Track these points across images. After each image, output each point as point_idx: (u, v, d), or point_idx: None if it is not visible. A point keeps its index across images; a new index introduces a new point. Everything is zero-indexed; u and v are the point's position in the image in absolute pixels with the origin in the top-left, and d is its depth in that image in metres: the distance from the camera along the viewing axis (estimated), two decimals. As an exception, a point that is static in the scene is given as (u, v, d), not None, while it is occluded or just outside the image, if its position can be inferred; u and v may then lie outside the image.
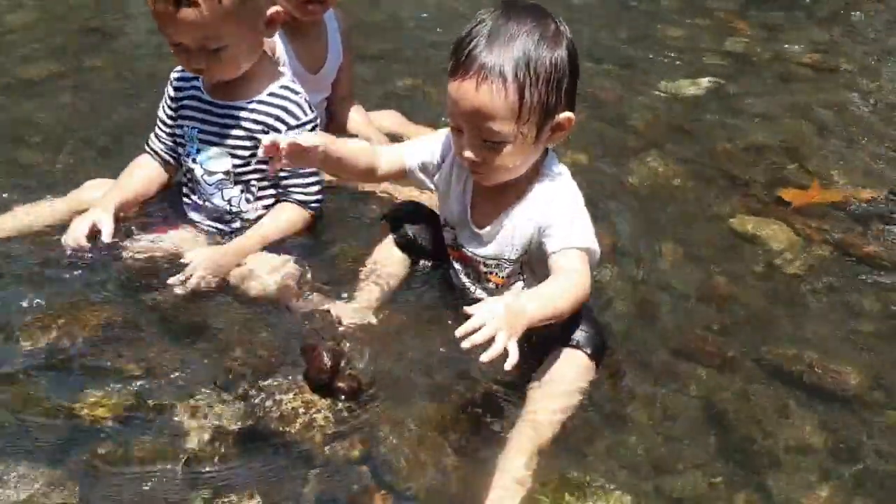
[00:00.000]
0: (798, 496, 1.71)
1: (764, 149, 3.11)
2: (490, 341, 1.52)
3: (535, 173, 1.89)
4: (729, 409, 1.89)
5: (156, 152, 2.26)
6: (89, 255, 2.06)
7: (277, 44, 2.51)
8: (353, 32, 2.81)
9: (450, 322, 1.89)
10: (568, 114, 1.80)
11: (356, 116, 2.81)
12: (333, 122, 2.77)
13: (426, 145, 2.01)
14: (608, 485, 1.67)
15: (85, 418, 1.68)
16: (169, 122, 2.22)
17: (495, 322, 1.54)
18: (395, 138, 2.84)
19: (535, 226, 1.85)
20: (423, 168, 2.01)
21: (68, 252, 2.05)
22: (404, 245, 2.12)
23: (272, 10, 2.09)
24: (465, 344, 1.52)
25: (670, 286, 2.30)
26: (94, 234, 2.06)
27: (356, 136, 2.70)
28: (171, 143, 2.24)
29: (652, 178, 2.82)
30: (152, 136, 2.26)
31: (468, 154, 1.79)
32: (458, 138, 1.81)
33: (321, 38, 2.65)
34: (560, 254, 1.80)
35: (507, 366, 1.54)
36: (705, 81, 3.60)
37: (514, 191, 1.88)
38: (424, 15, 4.11)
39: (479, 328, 1.53)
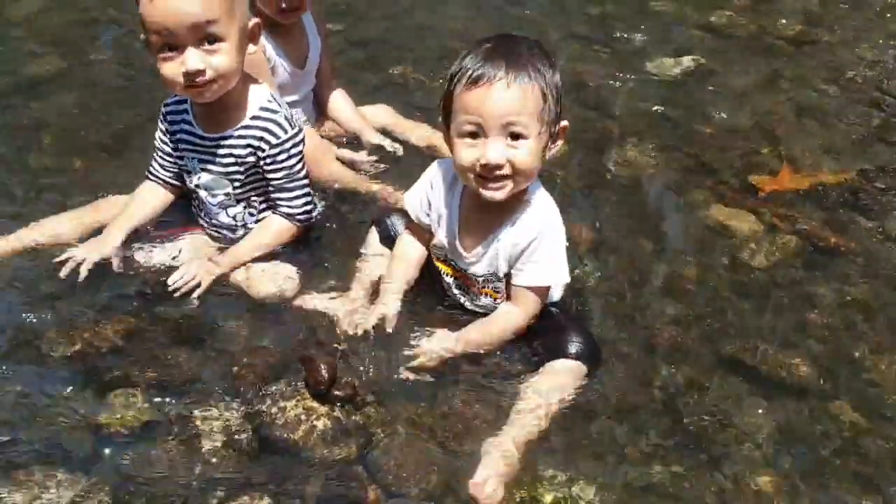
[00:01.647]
0: (748, 480, 1.91)
1: (740, 131, 3.26)
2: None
3: (523, 198, 2.04)
4: (688, 401, 2.09)
5: (159, 178, 2.39)
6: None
7: (267, 47, 2.65)
8: (324, 22, 2.94)
9: (434, 328, 2.12)
10: (565, 122, 1.98)
11: (339, 101, 2.97)
12: (321, 109, 2.95)
13: (417, 198, 2.17)
14: (575, 475, 1.87)
15: (111, 428, 1.88)
16: (170, 151, 2.35)
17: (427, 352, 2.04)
18: (387, 132, 3.00)
19: (519, 250, 2.03)
20: (425, 214, 2.17)
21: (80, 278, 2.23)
22: (388, 238, 2.31)
23: (252, 21, 2.20)
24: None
25: (642, 280, 2.49)
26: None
27: (337, 121, 2.94)
28: (173, 170, 2.38)
29: (630, 168, 2.97)
30: (154, 164, 2.39)
31: (493, 156, 1.88)
32: (475, 148, 1.91)
33: (302, 35, 2.80)
34: (522, 289, 2.05)
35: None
36: (687, 60, 3.72)
37: (503, 215, 2.04)
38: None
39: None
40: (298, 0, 2.62)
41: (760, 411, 2.08)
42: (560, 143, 2.02)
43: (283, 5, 2.59)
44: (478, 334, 2.10)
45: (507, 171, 1.91)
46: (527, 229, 2.02)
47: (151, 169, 2.41)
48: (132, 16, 3.70)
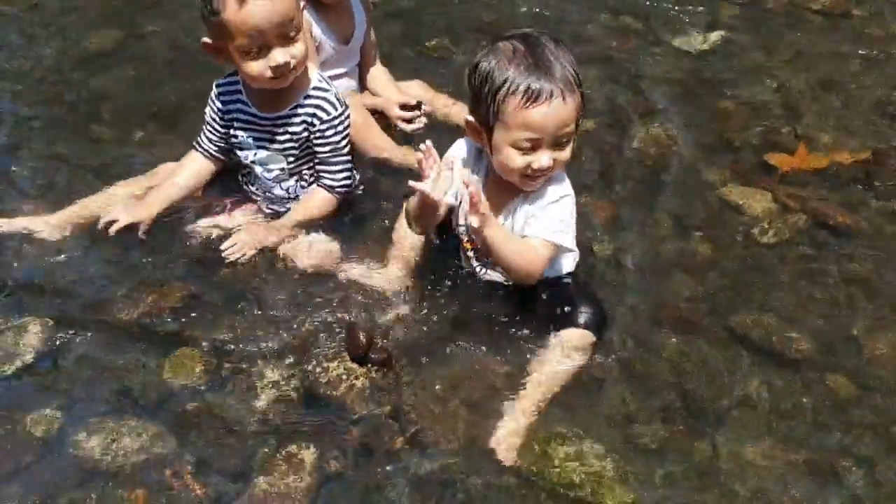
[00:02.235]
0: (742, 445, 2.11)
1: (762, 108, 3.37)
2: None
3: None
4: (692, 370, 2.28)
5: (207, 151, 2.60)
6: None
7: (314, 26, 2.84)
8: (370, 6, 3.11)
9: (458, 300, 2.35)
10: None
11: (379, 75, 3.16)
12: (362, 83, 3.15)
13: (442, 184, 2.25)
14: (584, 433, 2.09)
15: (175, 382, 2.15)
16: (220, 129, 2.56)
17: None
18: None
19: (527, 216, 2.22)
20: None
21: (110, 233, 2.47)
22: None
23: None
24: None
25: (658, 256, 2.66)
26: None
27: (375, 93, 3.12)
28: (221, 145, 2.58)
29: (654, 145, 3.12)
30: (202, 137, 2.59)
31: (545, 163, 2.09)
32: (527, 154, 2.09)
33: (347, 13, 2.97)
34: (529, 238, 2.19)
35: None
36: (715, 35, 3.81)
37: (520, 191, 2.23)
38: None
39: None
40: None
41: (759, 381, 2.27)
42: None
43: None
44: (500, 232, 2.16)
45: (551, 169, 2.13)
46: (539, 199, 2.21)
47: (199, 140, 2.62)
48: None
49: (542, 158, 2.08)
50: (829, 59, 3.72)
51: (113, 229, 2.47)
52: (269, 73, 2.32)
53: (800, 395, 2.24)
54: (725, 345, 2.37)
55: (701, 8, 4.05)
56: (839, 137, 3.20)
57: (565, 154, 2.12)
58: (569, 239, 2.24)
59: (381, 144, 2.89)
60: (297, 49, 2.33)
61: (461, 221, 2.33)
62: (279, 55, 2.30)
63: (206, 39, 2.38)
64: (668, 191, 2.93)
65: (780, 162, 3.01)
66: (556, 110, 2.03)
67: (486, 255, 2.22)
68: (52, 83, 3.34)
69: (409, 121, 3.04)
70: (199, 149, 2.63)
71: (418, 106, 3.04)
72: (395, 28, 3.74)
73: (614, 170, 3.01)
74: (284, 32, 2.28)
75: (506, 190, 2.24)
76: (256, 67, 2.32)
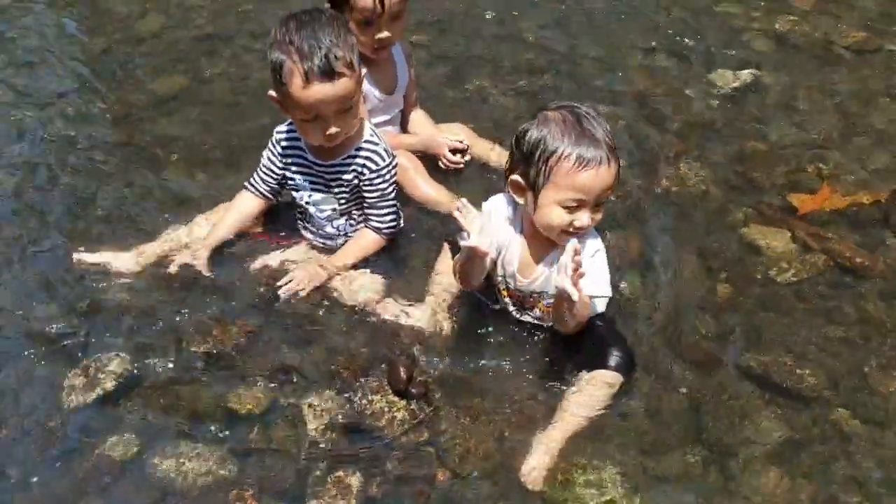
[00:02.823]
0: (755, 476, 2.29)
1: (788, 147, 3.52)
2: None
3: None
4: (709, 404, 2.47)
5: (258, 191, 2.86)
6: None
7: None
8: (412, 57, 3.33)
9: (492, 337, 2.59)
10: None
11: (419, 118, 3.39)
12: (404, 128, 3.38)
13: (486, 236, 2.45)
14: (604, 463, 2.29)
15: (238, 410, 2.41)
16: (277, 171, 2.81)
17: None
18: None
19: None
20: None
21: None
22: None
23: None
24: None
25: (681, 294, 2.83)
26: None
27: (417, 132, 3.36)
28: (274, 185, 2.84)
29: (680, 185, 3.29)
30: (256, 177, 2.85)
31: (586, 221, 2.33)
32: (571, 213, 2.32)
33: (391, 67, 3.20)
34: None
35: None
36: (746, 74, 3.95)
37: (556, 245, 2.43)
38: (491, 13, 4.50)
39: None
40: (388, 39, 3.03)
41: (772, 416, 2.44)
42: None
43: (376, 46, 3.00)
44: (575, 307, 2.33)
45: (591, 225, 2.36)
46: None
47: (253, 181, 2.87)
48: (242, 30, 4.28)
49: (584, 217, 2.32)
50: (858, 96, 3.84)
51: (172, 268, 2.76)
52: (320, 139, 2.58)
53: (810, 430, 2.41)
54: (741, 381, 2.55)
55: (733, 46, 4.20)
56: (863, 177, 3.33)
57: (600, 215, 2.36)
58: (607, 287, 2.45)
59: (429, 191, 3.12)
60: (354, 119, 2.59)
61: (499, 272, 2.56)
62: (335, 125, 2.55)
63: (273, 94, 2.62)
64: (694, 230, 3.10)
65: (802, 202, 3.16)
66: (602, 175, 2.27)
67: (558, 314, 2.43)
68: (123, 126, 3.63)
69: (455, 163, 3.28)
70: (251, 189, 2.88)
71: (465, 150, 3.29)
72: (439, 69, 3.97)
73: (642, 209, 3.19)
74: (342, 109, 2.53)
75: (541, 243, 2.46)
76: (312, 133, 2.58)
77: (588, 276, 2.36)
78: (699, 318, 2.76)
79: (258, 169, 2.87)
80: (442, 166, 3.28)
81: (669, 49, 4.19)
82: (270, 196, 2.89)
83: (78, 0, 4.69)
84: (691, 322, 2.74)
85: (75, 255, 2.82)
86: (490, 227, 2.39)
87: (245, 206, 2.91)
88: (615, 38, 4.28)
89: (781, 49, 4.20)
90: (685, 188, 3.28)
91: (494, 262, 2.52)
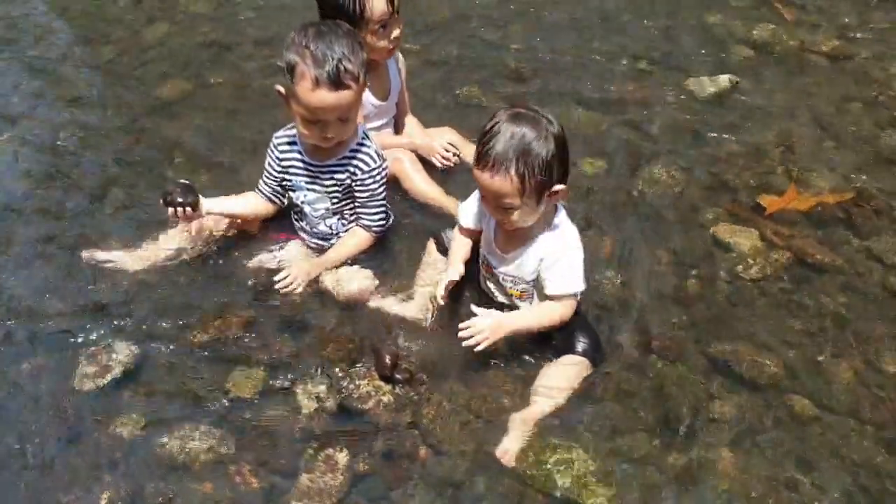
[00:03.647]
0: (712, 456, 2.47)
1: (762, 150, 3.70)
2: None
3: (544, 222, 2.63)
4: (673, 391, 2.65)
5: (264, 194, 3.06)
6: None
7: None
8: (403, 64, 3.52)
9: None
10: (561, 186, 2.53)
11: (411, 127, 3.59)
12: (397, 132, 3.59)
13: (469, 210, 2.78)
14: (574, 444, 2.48)
15: (237, 394, 2.61)
16: (276, 174, 3.00)
17: (484, 331, 2.51)
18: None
19: (541, 264, 2.63)
20: (477, 220, 2.79)
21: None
22: (444, 250, 2.95)
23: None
24: (462, 336, 2.52)
25: (652, 289, 3.02)
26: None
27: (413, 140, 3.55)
28: (277, 188, 3.03)
29: (656, 186, 3.47)
30: (261, 182, 3.04)
31: (488, 210, 2.59)
32: (484, 204, 2.59)
33: (385, 73, 3.40)
34: (553, 295, 2.63)
35: (476, 349, 2.53)
36: (724, 80, 4.12)
37: (529, 234, 2.63)
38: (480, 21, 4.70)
39: (474, 330, 2.50)
40: (400, 35, 3.21)
41: (733, 402, 2.62)
42: (558, 197, 2.56)
43: (391, 46, 3.19)
44: (529, 318, 2.68)
45: (505, 222, 2.56)
46: (548, 248, 2.62)
47: (259, 186, 3.08)
48: (245, 38, 4.48)
49: (489, 212, 2.63)
50: (831, 101, 4.02)
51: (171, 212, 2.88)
52: (317, 140, 2.78)
53: (765, 414, 2.60)
54: (704, 369, 2.73)
55: (712, 53, 4.39)
56: (830, 178, 3.51)
57: (512, 217, 2.53)
58: (580, 283, 2.64)
59: (422, 185, 3.32)
60: (350, 127, 2.80)
61: (482, 249, 2.80)
62: (332, 131, 2.75)
63: (280, 88, 2.80)
64: (667, 229, 3.28)
65: (769, 203, 3.34)
66: (484, 179, 2.47)
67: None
68: (129, 131, 3.84)
69: (447, 159, 3.49)
70: (259, 192, 3.08)
71: (456, 153, 3.52)
72: (431, 76, 4.16)
73: (619, 208, 3.38)
74: (342, 116, 2.73)
75: (516, 234, 2.65)
76: (311, 133, 2.77)
77: (556, 277, 2.60)
78: (669, 310, 2.94)
79: (263, 173, 3.05)
80: (437, 163, 3.48)
81: (650, 56, 4.37)
82: (273, 198, 3.07)
83: (86, 9, 4.90)
84: (661, 314, 2.92)
85: (85, 253, 3.03)
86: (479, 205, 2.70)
87: (250, 199, 3.09)
88: (598, 45, 4.47)
89: (759, 56, 4.38)
90: (660, 189, 3.46)
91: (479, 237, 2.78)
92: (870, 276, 3.06)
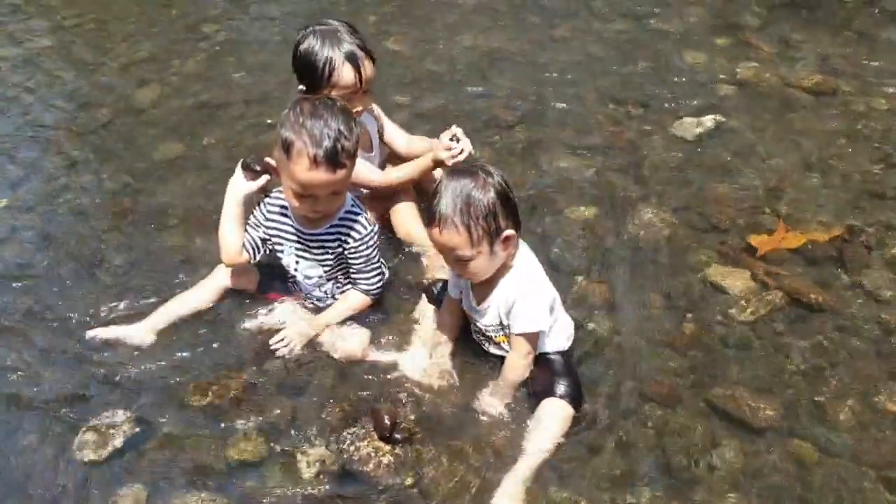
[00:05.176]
0: (715, 502, 2.50)
1: (750, 189, 3.75)
2: None
3: (505, 266, 2.70)
4: (673, 438, 2.66)
5: (244, 243, 3.01)
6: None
7: None
8: (381, 119, 3.52)
9: (468, 377, 2.82)
10: (509, 231, 2.60)
11: (390, 131, 3.55)
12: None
13: (450, 280, 2.90)
14: (576, 496, 2.48)
15: (237, 460, 2.61)
16: (261, 231, 3.00)
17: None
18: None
19: (506, 307, 2.68)
20: (458, 290, 2.88)
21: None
22: (436, 300, 3.02)
23: None
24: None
25: (647, 334, 3.04)
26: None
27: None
28: (257, 241, 3.00)
29: (646, 229, 3.51)
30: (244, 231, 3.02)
31: (453, 268, 2.69)
32: (445, 260, 2.70)
33: (365, 127, 3.39)
34: (514, 335, 2.69)
35: None
36: (709, 120, 4.20)
37: (494, 281, 2.71)
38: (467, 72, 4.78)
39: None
40: (360, 112, 3.19)
41: (729, 447, 2.62)
42: (511, 243, 2.62)
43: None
44: (500, 389, 2.76)
45: (465, 273, 2.66)
46: (508, 289, 2.68)
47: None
48: (236, 97, 4.55)
49: (448, 265, 2.75)
50: (816, 137, 4.09)
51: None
52: (307, 213, 2.81)
53: (765, 458, 2.60)
54: (702, 415, 2.74)
55: (697, 93, 4.48)
56: (818, 215, 3.56)
57: (470, 268, 2.62)
58: (540, 321, 2.67)
59: (416, 233, 3.33)
60: (341, 199, 2.84)
61: (464, 307, 2.87)
62: (323, 205, 2.79)
63: (271, 161, 2.85)
64: (659, 272, 3.31)
65: (759, 243, 3.37)
66: (434, 236, 2.60)
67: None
68: (124, 195, 3.88)
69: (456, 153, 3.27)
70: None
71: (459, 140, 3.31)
72: (419, 128, 4.17)
73: (610, 252, 3.41)
74: (336, 191, 2.77)
75: (484, 286, 2.73)
76: (301, 206, 2.79)
77: (516, 318, 2.67)
78: (664, 355, 2.96)
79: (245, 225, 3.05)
80: (447, 161, 3.22)
81: (636, 99, 4.45)
82: (249, 248, 3.02)
83: (80, 73, 4.98)
84: (657, 360, 2.94)
85: (89, 333, 3.02)
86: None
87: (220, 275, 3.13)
88: (583, 90, 4.56)
89: (743, 94, 4.46)
90: (650, 232, 3.50)
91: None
92: (863, 314, 3.08)
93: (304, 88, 3.12)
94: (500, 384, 2.77)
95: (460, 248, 2.57)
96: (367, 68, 3.11)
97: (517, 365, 2.73)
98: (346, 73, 3.05)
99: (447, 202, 2.54)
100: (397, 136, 3.58)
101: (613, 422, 2.72)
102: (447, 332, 2.94)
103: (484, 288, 2.74)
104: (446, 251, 2.62)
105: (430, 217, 2.59)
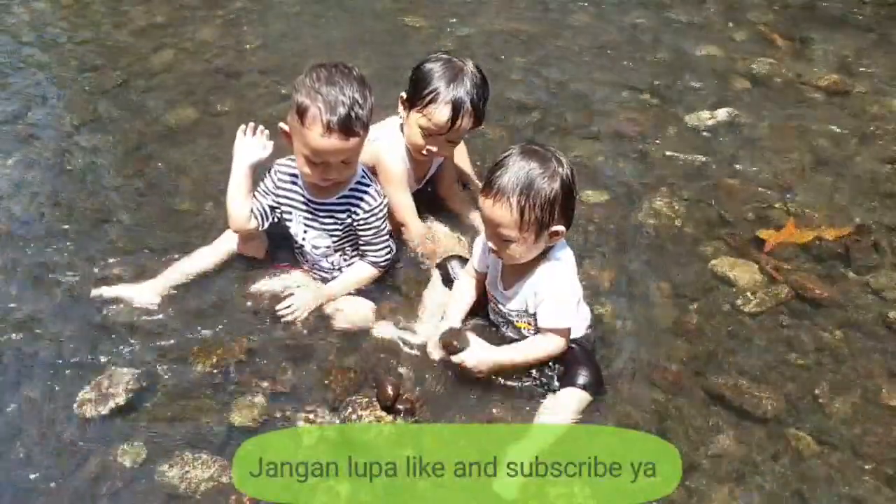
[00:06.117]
0: (712, 491, 2.49)
1: (760, 184, 3.74)
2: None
3: (543, 256, 2.67)
4: (674, 424, 2.67)
5: (251, 209, 2.99)
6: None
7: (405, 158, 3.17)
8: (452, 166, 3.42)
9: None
10: (560, 227, 2.58)
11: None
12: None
13: (476, 251, 2.86)
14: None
15: (237, 422, 2.62)
16: (269, 197, 2.99)
17: (473, 363, 2.61)
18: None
19: (535, 297, 2.66)
20: (484, 264, 2.84)
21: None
22: (448, 280, 2.99)
23: None
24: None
25: (652, 321, 3.05)
26: None
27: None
28: (265, 209, 3.00)
29: (657, 219, 3.51)
30: (252, 198, 3.00)
31: (490, 245, 2.63)
32: (486, 233, 2.65)
33: (426, 168, 3.31)
34: (543, 328, 2.66)
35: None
36: (723, 113, 4.19)
37: (528, 268, 2.68)
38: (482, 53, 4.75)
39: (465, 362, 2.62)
40: (434, 153, 3.09)
41: (729, 436, 2.63)
42: (558, 238, 2.61)
43: (424, 153, 3.11)
44: (514, 353, 2.72)
45: (503, 254, 2.60)
46: (542, 281, 2.66)
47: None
48: (250, 66, 4.54)
49: (489, 241, 2.65)
50: (828, 135, 4.08)
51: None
52: (318, 180, 2.80)
53: (765, 449, 2.61)
54: (704, 403, 2.74)
55: (712, 86, 4.47)
56: (827, 212, 3.55)
57: (509, 250, 2.58)
58: (569, 319, 2.66)
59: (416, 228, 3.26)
60: (352, 169, 2.83)
61: (488, 287, 2.84)
62: (334, 173, 2.77)
63: (284, 126, 2.82)
64: (667, 261, 3.32)
65: (768, 237, 3.37)
66: (486, 206, 2.54)
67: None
68: (136, 157, 3.88)
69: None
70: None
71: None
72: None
73: (620, 240, 3.41)
74: (347, 159, 2.75)
75: (517, 270, 2.70)
76: (312, 173, 2.78)
77: (547, 309, 2.65)
78: (669, 343, 2.96)
79: (255, 191, 3.04)
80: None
81: (651, 88, 4.44)
82: (257, 216, 3.00)
83: (95, 36, 4.97)
84: (661, 347, 2.94)
85: (95, 291, 3.02)
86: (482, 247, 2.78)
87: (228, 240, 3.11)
88: (600, 77, 4.55)
89: (758, 90, 4.45)
90: (659, 221, 3.50)
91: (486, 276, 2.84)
92: (868, 311, 3.09)
93: (405, 96, 3.08)
94: (522, 350, 2.72)
95: (507, 227, 2.52)
96: (464, 122, 3.01)
97: (544, 350, 2.69)
98: (441, 113, 2.97)
99: (509, 177, 2.49)
100: (448, 184, 3.44)
101: (615, 406, 2.72)
102: (460, 306, 2.90)
103: (515, 273, 2.70)
104: (491, 225, 2.57)
105: (487, 185, 2.53)
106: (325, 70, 2.71)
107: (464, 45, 4.79)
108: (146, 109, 4.23)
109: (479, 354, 2.66)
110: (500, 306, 2.81)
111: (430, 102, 2.97)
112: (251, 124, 3.05)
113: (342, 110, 2.64)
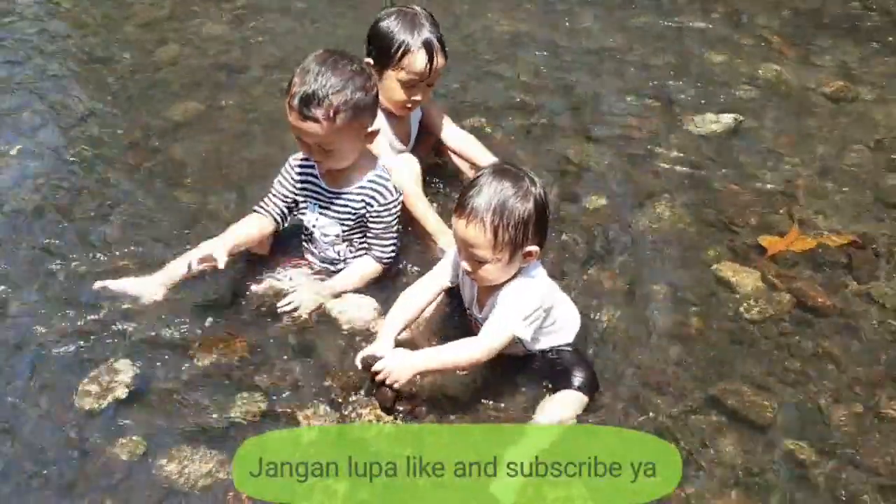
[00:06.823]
0: (711, 497, 2.48)
1: (763, 190, 3.74)
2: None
3: (516, 274, 2.65)
4: (673, 429, 2.66)
5: (269, 213, 3.02)
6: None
7: (383, 123, 3.25)
8: (429, 107, 3.52)
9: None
10: (533, 247, 2.58)
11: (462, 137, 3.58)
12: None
13: (446, 267, 2.81)
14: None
15: (237, 417, 2.62)
16: (288, 194, 3.02)
17: (392, 372, 2.53)
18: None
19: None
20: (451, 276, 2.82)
21: (184, 271, 2.90)
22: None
23: (372, 128, 2.90)
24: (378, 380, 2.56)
25: (654, 325, 3.04)
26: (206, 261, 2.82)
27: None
28: (283, 209, 3.03)
29: (659, 222, 3.50)
30: (267, 200, 3.03)
31: (464, 265, 2.62)
32: (459, 254, 2.64)
33: (407, 121, 3.44)
34: (483, 330, 2.62)
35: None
36: (728, 118, 4.18)
37: (499, 287, 2.66)
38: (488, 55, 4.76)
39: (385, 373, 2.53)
40: (418, 102, 3.26)
41: (729, 442, 2.63)
42: (532, 259, 2.60)
43: (408, 105, 3.23)
44: (433, 359, 2.60)
45: (476, 275, 2.59)
46: (507, 295, 2.64)
47: (262, 203, 3.04)
48: (255, 61, 4.54)
49: (462, 262, 2.62)
50: (833, 142, 4.07)
51: (221, 263, 2.80)
52: (306, 155, 2.90)
53: (764, 456, 2.60)
54: (703, 409, 2.74)
55: (717, 91, 4.45)
56: (831, 220, 3.55)
57: (482, 271, 2.57)
58: (516, 326, 2.59)
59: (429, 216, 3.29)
60: (335, 160, 2.88)
61: (465, 303, 2.85)
62: (316, 156, 2.89)
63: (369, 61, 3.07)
64: (668, 265, 3.31)
65: (770, 243, 3.37)
66: (459, 226, 2.53)
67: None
68: (139, 150, 3.88)
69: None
70: (261, 210, 3.03)
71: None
72: (440, 105, 4.19)
73: (621, 243, 3.40)
74: (321, 145, 2.80)
75: (491, 291, 2.69)
76: (301, 148, 2.88)
77: (500, 309, 2.62)
78: (669, 348, 2.96)
79: (269, 192, 3.06)
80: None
81: (656, 92, 4.43)
82: (277, 218, 3.04)
83: (101, 28, 4.96)
84: (662, 351, 2.94)
85: (97, 284, 3.01)
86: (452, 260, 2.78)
87: (253, 223, 3.04)
88: (605, 80, 4.54)
89: (763, 96, 4.44)
90: (662, 225, 3.49)
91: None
92: (869, 320, 3.08)
93: (372, 62, 3.15)
94: (438, 352, 2.62)
95: (481, 247, 2.52)
96: (439, 60, 3.19)
97: (472, 351, 2.60)
98: (418, 60, 3.13)
99: (483, 198, 2.49)
100: (442, 125, 3.54)
101: (615, 409, 2.72)
102: (405, 315, 2.77)
103: (490, 294, 2.70)
104: (465, 246, 2.56)
105: (460, 206, 2.53)
106: (325, 53, 2.80)
107: (471, 48, 4.78)
108: (151, 103, 4.24)
109: (395, 360, 2.56)
110: (479, 323, 2.78)
111: (403, 55, 3.13)
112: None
113: (305, 89, 2.70)
